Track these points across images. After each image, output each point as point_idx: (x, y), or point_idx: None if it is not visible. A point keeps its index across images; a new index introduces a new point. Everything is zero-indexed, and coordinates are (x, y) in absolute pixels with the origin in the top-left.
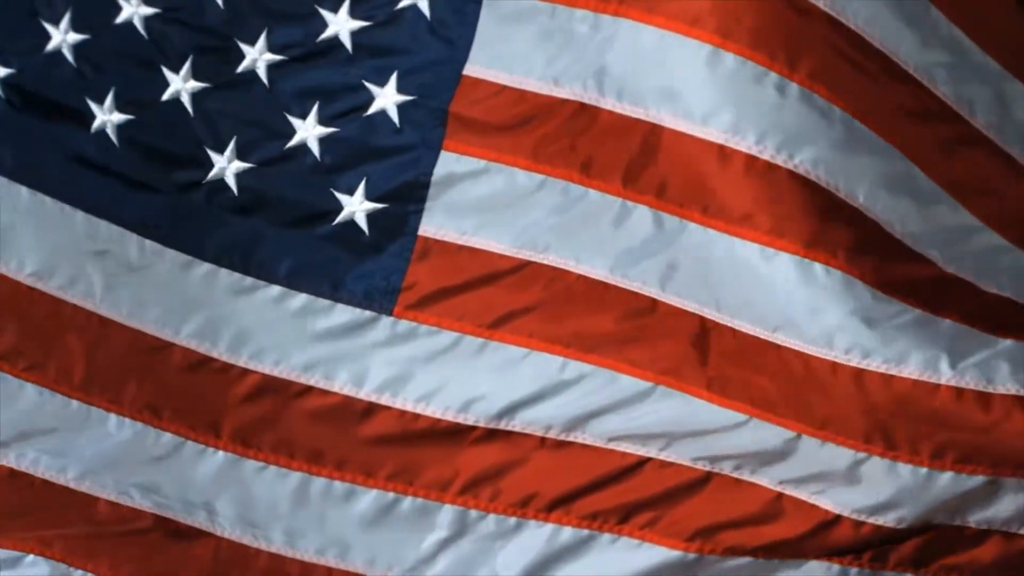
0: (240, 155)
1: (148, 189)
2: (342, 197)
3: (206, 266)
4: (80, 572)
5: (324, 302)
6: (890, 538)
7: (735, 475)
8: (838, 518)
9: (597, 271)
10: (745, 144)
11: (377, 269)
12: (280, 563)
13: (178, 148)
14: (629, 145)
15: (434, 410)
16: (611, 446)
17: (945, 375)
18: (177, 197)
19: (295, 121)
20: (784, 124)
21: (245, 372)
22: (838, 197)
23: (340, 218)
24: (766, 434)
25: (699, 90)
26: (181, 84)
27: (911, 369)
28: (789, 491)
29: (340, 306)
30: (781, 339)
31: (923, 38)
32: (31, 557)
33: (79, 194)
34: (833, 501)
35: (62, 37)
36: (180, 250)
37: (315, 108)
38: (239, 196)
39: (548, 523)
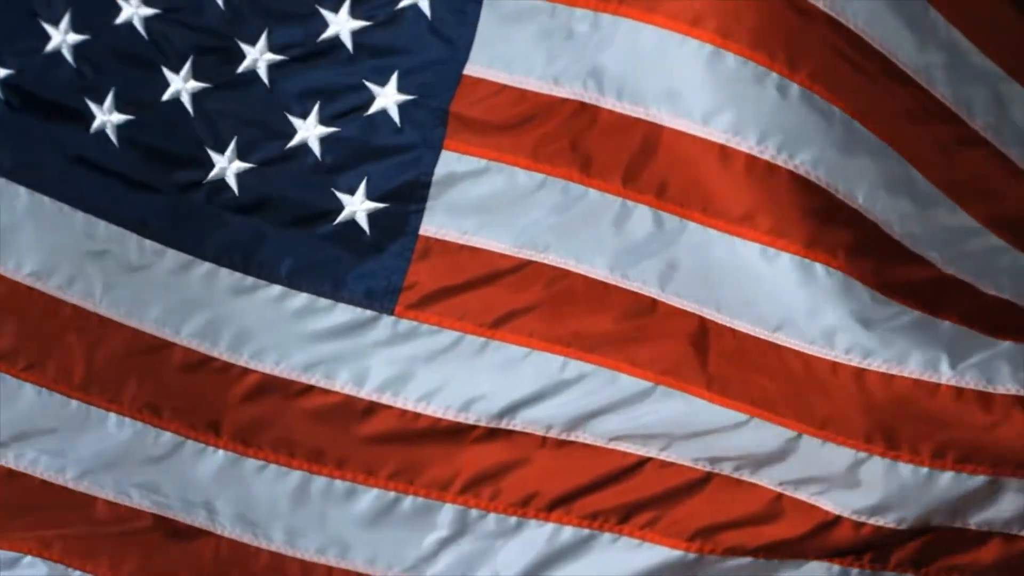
0: (241, 155)
1: (148, 189)
2: (343, 197)
3: (207, 266)
4: (78, 573)
5: (325, 301)
6: (891, 539)
7: (735, 475)
8: (838, 519)
9: (597, 271)
10: (746, 144)
11: (378, 269)
12: (280, 562)
13: (178, 148)
14: (629, 144)
15: (435, 409)
16: (612, 446)
17: (945, 375)
18: (177, 197)
19: (296, 121)
20: (785, 125)
21: (246, 371)
22: (837, 198)
23: (341, 218)
24: (766, 434)
25: (700, 90)
26: (181, 84)
27: (911, 369)
28: (789, 492)
29: (341, 305)
30: (781, 339)
31: (922, 39)
32: (29, 558)
33: (78, 194)
34: (833, 502)
35: (62, 38)
36: (180, 250)
37: (316, 108)
38: (240, 196)
39: (549, 522)
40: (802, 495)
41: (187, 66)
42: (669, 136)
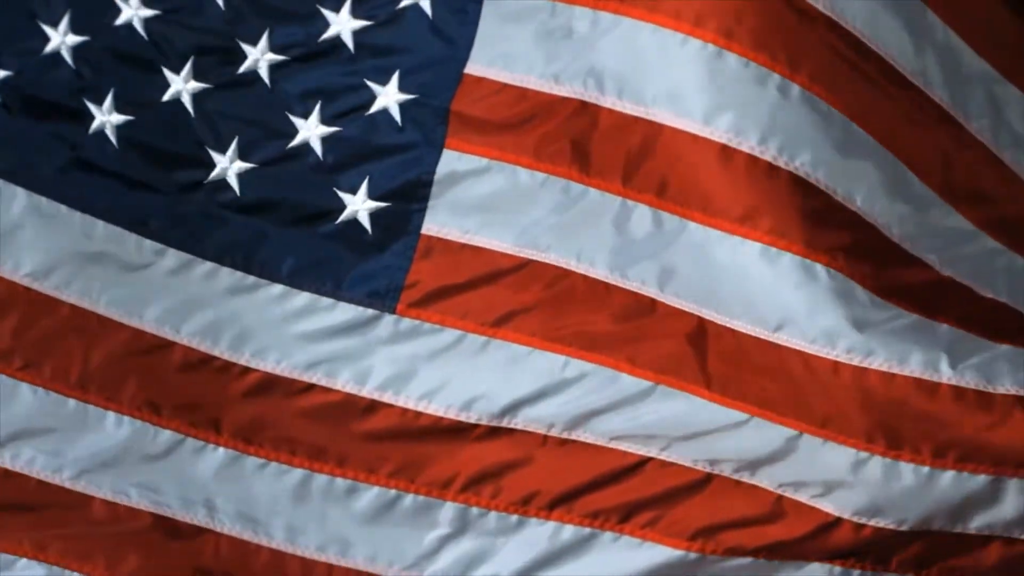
0: (242, 155)
1: (148, 189)
2: (345, 196)
3: (207, 265)
4: (76, 574)
5: (327, 300)
6: (891, 541)
7: (735, 477)
8: (839, 520)
9: (597, 270)
10: (747, 145)
11: (380, 268)
12: (281, 559)
13: (179, 148)
14: (629, 144)
15: (436, 408)
16: (612, 445)
17: (945, 374)
18: (177, 197)
19: (297, 121)
20: (785, 126)
21: (246, 370)
22: (836, 200)
23: (343, 217)
24: (767, 433)
25: (701, 90)
26: (182, 85)
27: (912, 368)
28: (789, 494)
29: (342, 304)
30: (782, 339)
31: (919, 41)
32: (24, 561)
33: (77, 195)
34: (834, 503)
35: (61, 39)
36: (181, 249)
37: (317, 108)
38: (241, 196)
39: (550, 521)
40: (802, 497)
41: (187, 66)
42: (669, 135)
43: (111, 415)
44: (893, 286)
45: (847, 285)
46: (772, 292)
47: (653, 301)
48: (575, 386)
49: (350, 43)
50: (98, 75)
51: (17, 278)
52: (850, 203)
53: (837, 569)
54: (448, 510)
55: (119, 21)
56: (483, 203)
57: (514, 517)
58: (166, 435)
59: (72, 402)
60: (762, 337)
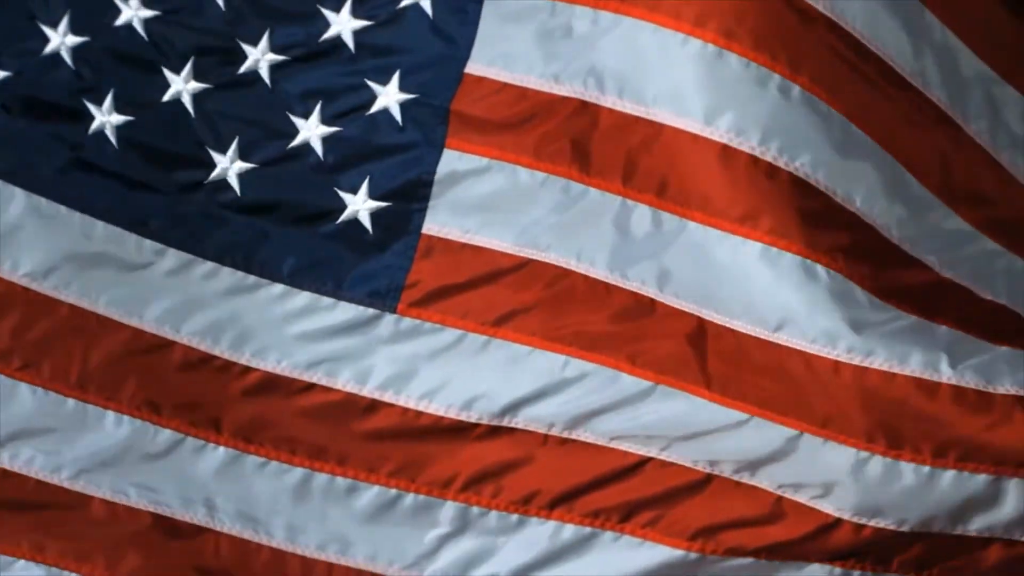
0: (243, 155)
1: (148, 189)
2: (345, 196)
3: (208, 265)
4: (75, 575)
5: (327, 300)
6: (892, 541)
7: (735, 478)
8: (839, 521)
9: (597, 270)
10: (748, 145)
11: (380, 267)
12: (281, 558)
13: (179, 148)
14: (629, 143)
15: (437, 407)
16: (613, 445)
17: (945, 374)
18: (177, 197)
19: (298, 121)
20: (786, 126)
21: (247, 370)
22: (836, 201)
23: (344, 217)
24: (767, 433)
25: (702, 90)
26: (182, 85)
27: (912, 368)
28: (789, 495)
29: (343, 304)
30: (783, 339)
31: (918, 42)
32: (22, 562)
33: (77, 195)
34: (834, 504)
35: (60, 40)
36: (181, 249)
37: (318, 107)
38: (242, 196)
39: (550, 520)
40: (802, 498)
41: (188, 67)
42: (670, 135)
43: (110, 414)
44: (892, 287)
45: (847, 286)
46: (772, 292)
47: (653, 301)
48: (575, 386)
49: (350, 43)
50: (98, 76)
51: (16, 278)
52: (850, 204)
53: (837, 570)
54: (448, 509)
55: (119, 22)
56: (483, 203)
57: (515, 516)
58: (166, 434)
59: (71, 402)
60: (762, 337)
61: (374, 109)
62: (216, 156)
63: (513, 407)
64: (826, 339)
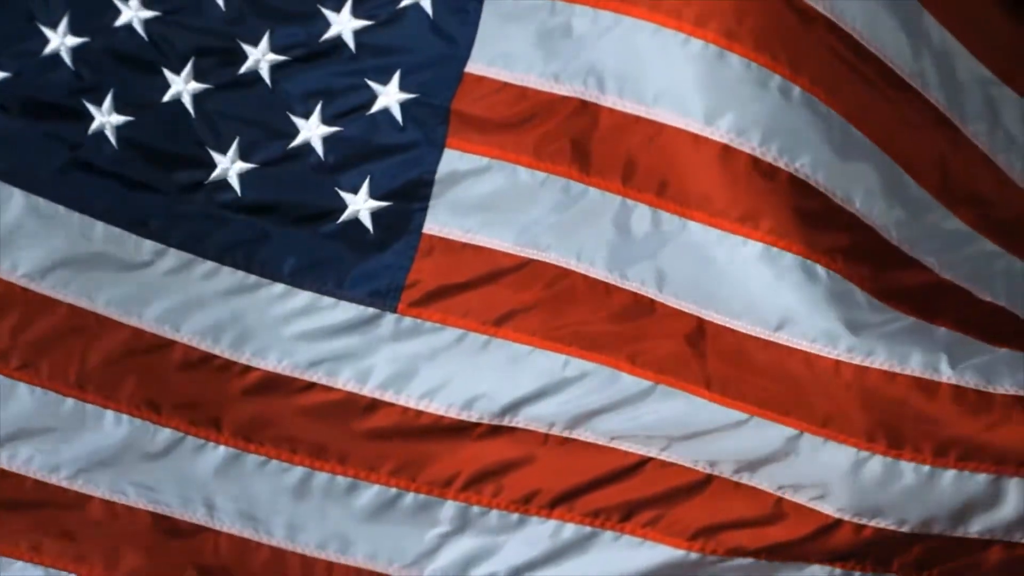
0: (243, 155)
1: (148, 189)
2: (346, 196)
3: (208, 264)
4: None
5: (328, 300)
6: (892, 542)
7: (735, 479)
8: (839, 522)
9: (597, 270)
10: (749, 146)
11: (381, 267)
12: (281, 557)
13: (179, 149)
14: (630, 143)
15: (437, 407)
16: (613, 444)
17: (945, 374)
18: (178, 197)
19: (298, 121)
20: (786, 127)
21: (247, 369)
22: (835, 202)
23: (344, 216)
24: (767, 433)
25: (703, 90)
26: (183, 85)
27: (912, 368)
28: (788, 496)
29: (344, 304)
30: (783, 338)
31: (916, 43)
32: (20, 564)
33: (76, 195)
34: (834, 504)
35: (60, 40)
36: (181, 249)
37: (318, 107)
38: (242, 196)
39: (551, 520)
40: (802, 499)
41: (188, 67)
42: (670, 135)
43: (110, 414)
44: (892, 288)
45: (846, 287)
46: (772, 292)
47: (652, 301)
48: (576, 385)
49: (351, 43)
50: (98, 76)
51: (14, 279)
52: (849, 205)
53: (838, 571)
54: (449, 508)
55: (119, 22)
56: (484, 202)
57: (515, 515)
58: (165, 433)
59: (70, 401)
60: (762, 337)
61: (374, 109)
62: (216, 156)
63: (514, 406)
64: (827, 339)
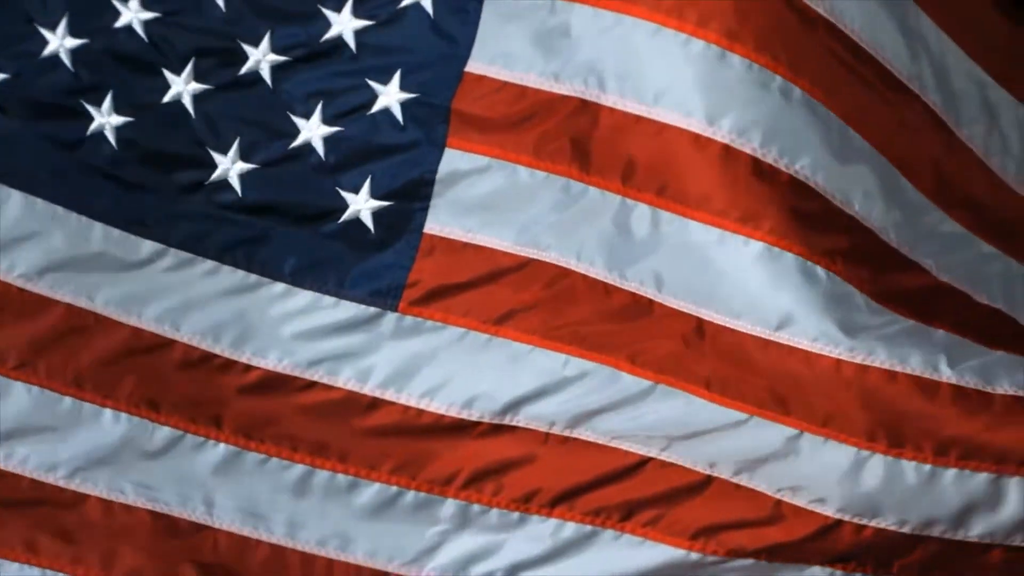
0: (244, 156)
1: (147, 190)
2: (347, 195)
3: (208, 263)
4: None
5: (329, 299)
6: (893, 543)
7: (734, 480)
8: (839, 522)
9: (597, 269)
10: (750, 147)
11: (382, 266)
12: (281, 554)
13: (179, 149)
14: (630, 143)
15: (438, 405)
16: (614, 444)
17: (945, 373)
18: (178, 198)
19: (299, 121)
20: (787, 129)
21: (248, 368)
22: (834, 204)
23: (345, 216)
24: (767, 433)
25: (704, 90)
26: (183, 86)
27: (912, 367)
28: (787, 498)
29: (345, 303)
30: (783, 338)
31: (914, 45)
32: (17, 565)
33: (75, 196)
34: (834, 504)
35: (59, 42)
36: (181, 249)
37: (319, 107)
38: (243, 197)
39: (551, 518)
40: (801, 501)
41: (188, 68)
42: (671, 135)
43: (108, 412)
44: (890, 291)
45: (845, 289)
46: (772, 292)
47: (651, 301)
48: (576, 384)
49: (351, 43)
50: (97, 77)
51: (11, 279)
52: (848, 207)
53: (838, 572)
54: (449, 507)
55: (118, 24)
56: (484, 202)
57: (515, 514)
58: (164, 432)
59: (68, 400)
60: (762, 336)
61: (375, 109)
62: (217, 157)
63: (514, 405)
64: (827, 338)
